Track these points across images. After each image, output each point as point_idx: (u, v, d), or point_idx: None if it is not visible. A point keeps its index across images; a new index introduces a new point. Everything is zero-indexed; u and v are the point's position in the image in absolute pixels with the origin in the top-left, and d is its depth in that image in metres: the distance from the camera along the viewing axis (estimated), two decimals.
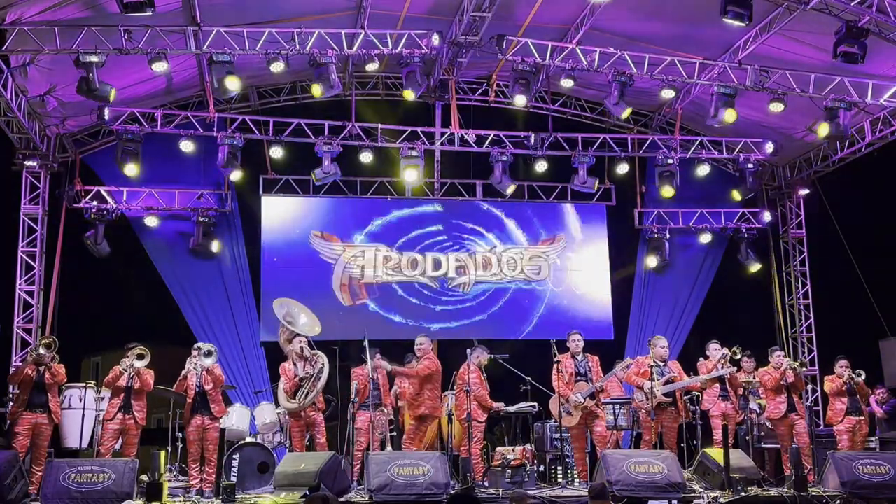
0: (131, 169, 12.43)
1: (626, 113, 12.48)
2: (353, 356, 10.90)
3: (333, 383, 10.16)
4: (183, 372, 9.50)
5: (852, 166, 13.78)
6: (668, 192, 13.76)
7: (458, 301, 14.19)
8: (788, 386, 10.22)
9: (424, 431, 10.31)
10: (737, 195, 14.42)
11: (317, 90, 11.53)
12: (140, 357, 9.30)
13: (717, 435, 10.01)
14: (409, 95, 12.08)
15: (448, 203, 14.42)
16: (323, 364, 9.74)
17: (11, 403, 9.52)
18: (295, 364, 9.87)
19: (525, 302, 14.41)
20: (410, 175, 13.26)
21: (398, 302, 14.00)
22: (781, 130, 13.82)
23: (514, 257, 14.44)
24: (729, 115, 11.93)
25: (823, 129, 12.22)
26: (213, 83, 11.06)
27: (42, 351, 9.15)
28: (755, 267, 14.73)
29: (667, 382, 9.91)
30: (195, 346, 9.70)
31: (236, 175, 12.98)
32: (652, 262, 14.64)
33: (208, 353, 9.48)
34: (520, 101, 12.36)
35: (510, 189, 13.65)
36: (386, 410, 10.16)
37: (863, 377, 10.37)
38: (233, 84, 11.08)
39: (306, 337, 10.11)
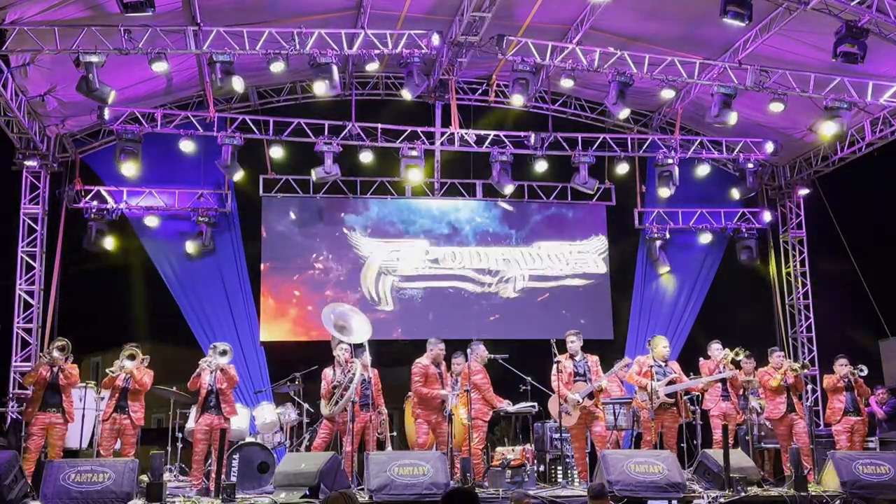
0: (129, 168, 12.44)
1: (624, 114, 12.45)
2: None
3: None
4: (197, 369, 9.52)
5: (852, 166, 13.78)
6: (664, 192, 13.79)
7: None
8: (788, 386, 10.25)
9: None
10: (735, 194, 14.33)
11: (319, 87, 11.23)
12: (131, 357, 9.25)
13: (717, 435, 10.03)
14: (407, 95, 12.05)
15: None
16: (353, 374, 9.61)
17: (14, 404, 9.52)
18: (334, 370, 9.82)
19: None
20: (414, 175, 13.26)
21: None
22: (781, 130, 13.81)
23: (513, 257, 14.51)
24: (732, 118, 11.98)
25: (830, 128, 12.00)
26: (216, 82, 11.00)
27: (56, 354, 9.18)
28: (755, 267, 14.71)
29: (669, 383, 9.92)
30: (211, 344, 9.75)
31: (238, 175, 12.97)
32: (652, 261, 14.63)
33: (223, 353, 9.51)
34: (517, 100, 12.39)
35: (508, 188, 13.64)
36: (382, 410, 10.09)
37: (865, 372, 10.36)
38: (237, 84, 11.13)
39: (349, 344, 10.02)
